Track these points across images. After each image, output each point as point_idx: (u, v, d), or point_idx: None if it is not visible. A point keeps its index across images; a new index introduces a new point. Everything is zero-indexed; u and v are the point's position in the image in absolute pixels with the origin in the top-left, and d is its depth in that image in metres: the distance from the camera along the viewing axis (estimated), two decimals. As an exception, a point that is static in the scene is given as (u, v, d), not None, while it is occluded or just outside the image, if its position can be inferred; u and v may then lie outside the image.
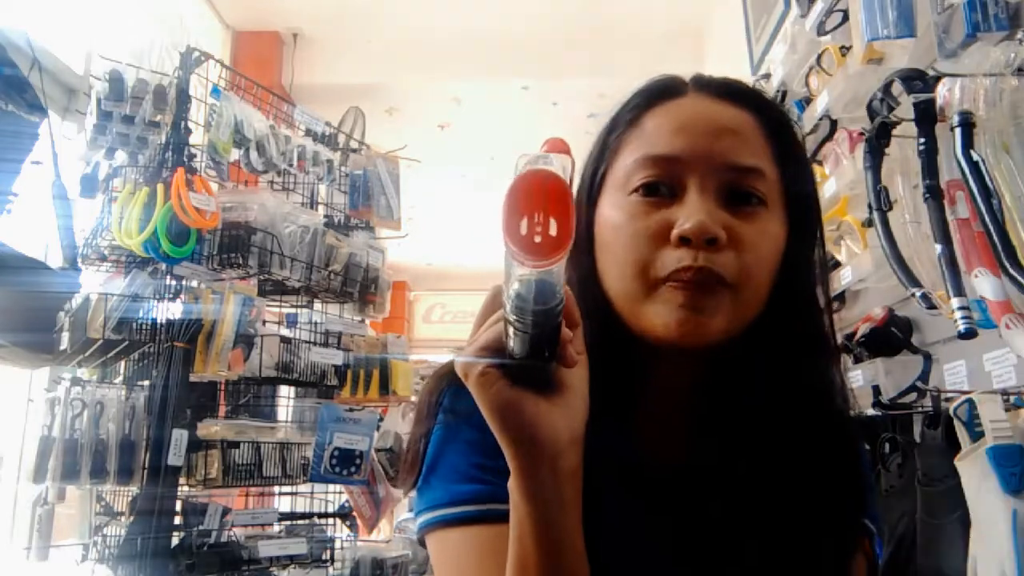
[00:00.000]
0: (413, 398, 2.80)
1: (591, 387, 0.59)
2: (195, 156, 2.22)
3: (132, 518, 2.09)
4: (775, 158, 0.68)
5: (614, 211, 0.67)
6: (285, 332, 2.48)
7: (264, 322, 2.30)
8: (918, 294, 1.30)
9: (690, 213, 0.62)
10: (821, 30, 1.91)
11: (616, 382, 0.66)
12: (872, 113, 1.45)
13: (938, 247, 1.21)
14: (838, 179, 1.80)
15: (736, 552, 0.65)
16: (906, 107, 1.34)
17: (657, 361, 0.68)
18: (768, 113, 0.70)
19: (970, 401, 1.16)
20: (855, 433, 0.75)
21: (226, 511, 2.24)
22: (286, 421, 2.52)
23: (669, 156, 0.65)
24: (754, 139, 0.67)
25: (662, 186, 0.65)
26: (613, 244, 0.67)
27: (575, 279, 0.69)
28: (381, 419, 2.64)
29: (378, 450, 2.59)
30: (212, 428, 2.16)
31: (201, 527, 2.14)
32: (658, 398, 0.70)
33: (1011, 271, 1.10)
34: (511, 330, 0.50)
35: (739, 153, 0.66)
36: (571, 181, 0.48)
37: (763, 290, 0.66)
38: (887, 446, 1.49)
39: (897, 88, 1.37)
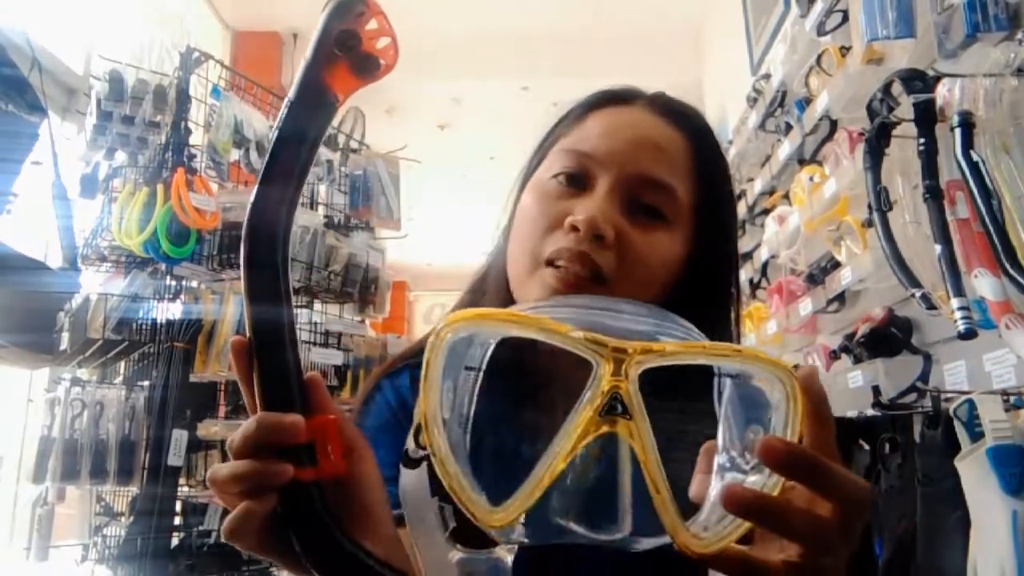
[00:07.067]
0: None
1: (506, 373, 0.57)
2: (195, 156, 2.22)
3: (132, 518, 2.09)
4: (694, 181, 0.69)
5: (531, 192, 0.71)
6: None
7: (264, 322, 2.30)
8: (918, 294, 1.30)
9: (587, 207, 0.65)
10: (821, 30, 1.91)
11: (517, 367, 0.64)
12: (872, 113, 1.45)
13: (938, 247, 1.21)
14: (838, 179, 1.80)
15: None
16: (906, 107, 1.34)
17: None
18: (701, 138, 0.72)
19: (970, 401, 1.16)
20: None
21: (226, 511, 2.24)
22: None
23: (589, 153, 0.69)
24: (676, 158, 0.69)
25: (578, 178, 0.68)
26: (520, 226, 0.70)
27: (495, 263, 0.74)
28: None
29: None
30: (212, 428, 2.16)
31: (201, 527, 2.14)
32: (552, 383, 0.66)
33: (1011, 271, 1.10)
34: None
35: (655, 167, 0.68)
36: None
37: (645, 294, 0.64)
38: (887, 446, 1.49)
39: (897, 88, 1.37)
